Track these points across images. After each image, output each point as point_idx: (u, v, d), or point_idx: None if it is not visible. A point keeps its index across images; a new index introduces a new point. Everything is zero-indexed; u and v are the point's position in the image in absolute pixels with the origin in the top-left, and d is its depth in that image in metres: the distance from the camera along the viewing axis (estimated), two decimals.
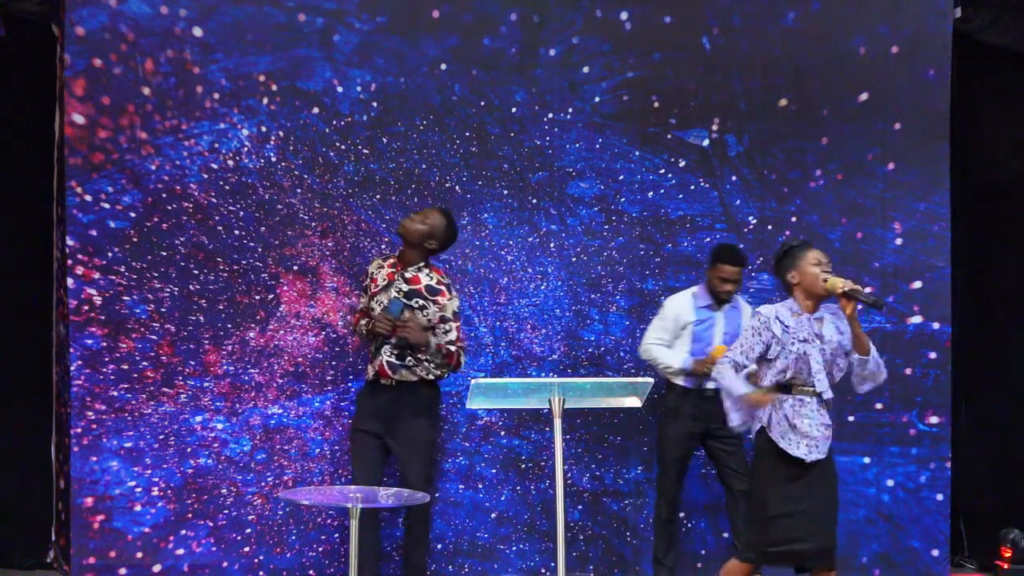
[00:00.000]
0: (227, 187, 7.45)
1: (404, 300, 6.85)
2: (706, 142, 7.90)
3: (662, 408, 7.48)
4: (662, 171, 7.88)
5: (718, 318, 7.34)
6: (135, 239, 7.32)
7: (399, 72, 7.63)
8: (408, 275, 6.93)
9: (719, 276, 7.27)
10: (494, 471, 7.71)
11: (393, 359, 6.83)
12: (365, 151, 7.62)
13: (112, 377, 7.28)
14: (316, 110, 7.54)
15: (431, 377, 6.90)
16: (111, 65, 7.29)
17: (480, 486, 7.70)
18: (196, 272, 7.40)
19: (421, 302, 6.88)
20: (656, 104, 7.87)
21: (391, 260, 7.05)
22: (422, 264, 6.97)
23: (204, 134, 7.42)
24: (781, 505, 6.12)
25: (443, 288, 6.93)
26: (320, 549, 7.50)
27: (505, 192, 7.77)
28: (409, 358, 6.83)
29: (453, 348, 6.89)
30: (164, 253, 7.36)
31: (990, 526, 8.24)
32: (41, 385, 7.73)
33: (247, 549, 7.42)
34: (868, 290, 6.44)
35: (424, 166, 7.66)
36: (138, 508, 7.30)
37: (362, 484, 6.69)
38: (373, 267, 7.08)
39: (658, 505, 7.47)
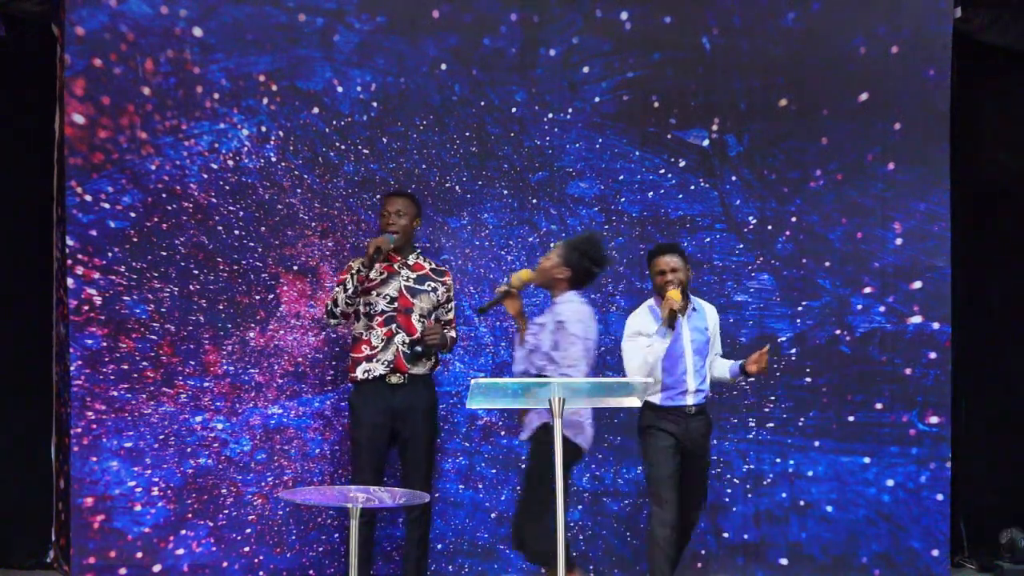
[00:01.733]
0: (227, 187, 7.45)
1: (416, 285, 6.98)
2: (706, 142, 7.90)
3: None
4: (662, 171, 7.88)
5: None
6: (135, 239, 7.32)
7: (399, 72, 7.63)
8: (411, 263, 7.03)
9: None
10: (494, 471, 7.71)
11: (407, 350, 6.89)
12: (365, 151, 7.62)
13: (112, 377, 7.28)
14: (316, 110, 7.55)
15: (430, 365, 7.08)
16: (111, 65, 7.29)
17: (480, 486, 7.70)
18: (196, 272, 7.40)
19: (432, 284, 7.04)
20: (656, 104, 7.86)
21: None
22: (417, 251, 7.13)
23: (204, 134, 7.42)
24: None
25: (445, 268, 7.21)
26: (320, 549, 7.50)
27: (505, 192, 7.77)
28: (419, 347, 6.90)
29: (454, 333, 7.18)
30: (164, 253, 7.36)
31: (990, 526, 8.24)
32: (41, 385, 7.73)
33: (247, 549, 7.42)
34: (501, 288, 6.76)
35: (424, 166, 7.67)
36: (138, 508, 7.30)
37: (367, 484, 6.69)
38: (357, 264, 7.07)
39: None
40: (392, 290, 6.96)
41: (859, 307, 7.93)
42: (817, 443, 7.90)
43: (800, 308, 7.92)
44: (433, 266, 7.13)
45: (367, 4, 7.59)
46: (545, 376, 6.14)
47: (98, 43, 7.28)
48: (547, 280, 6.32)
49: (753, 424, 7.84)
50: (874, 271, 7.97)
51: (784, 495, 7.89)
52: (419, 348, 6.93)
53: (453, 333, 7.16)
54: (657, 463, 6.71)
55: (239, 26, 7.45)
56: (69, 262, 7.24)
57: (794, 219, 7.94)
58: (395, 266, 7.01)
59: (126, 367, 7.30)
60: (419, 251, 7.16)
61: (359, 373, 6.93)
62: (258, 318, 7.47)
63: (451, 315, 7.16)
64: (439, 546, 7.60)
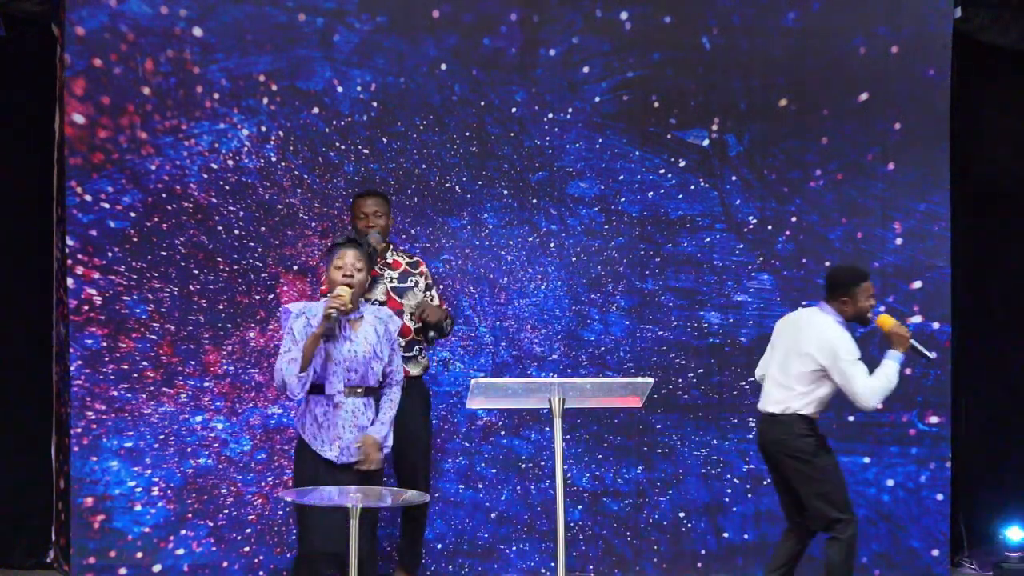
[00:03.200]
0: (227, 187, 7.45)
1: (401, 284, 6.88)
2: (706, 142, 7.90)
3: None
4: (662, 171, 7.88)
5: None
6: (135, 239, 7.33)
7: (399, 72, 7.63)
8: (389, 261, 6.95)
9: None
10: (494, 471, 7.71)
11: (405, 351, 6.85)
12: (365, 151, 7.62)
13: (112, 377, 7.28)
14: (316, 110, 7.55)
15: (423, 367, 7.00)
16: (111, 65, 7.30)
17: (480, 486, 7.70)
18: (196, 272, 7.40)
19: (413, 279, 6.93)
20: (656, 104, 7.86)
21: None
22: (391, 247, 7.04)
23: (204, 134, 7.43)
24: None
25: (418, 259, 7.08)
26: None
27: (505, 192, 7.77)
28: (417, 347, 6.85)
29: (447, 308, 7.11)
30: (164, 253, 7.36)
31: (990, 526, 8.24)
32: (41, 385, 7.73)
33: (247, 549, 7.42)
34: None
35: (424, 166, 7.67)
36: (138, 508, 7.31)
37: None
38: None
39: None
40: (379, 294, 6.83)
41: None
42: None
43: (800, 308, 7.91)
44: (408, 259, 7.01)
45: (367, 4, 7.59)
46: (369, 387, 6.04)
47: (98, 43, 7.28)
48: (360, 296, 6.04)
49: (753, 424, 7.84)
50: (874, 271, 7.94)
51: None
52: (426, 327, 6.85)
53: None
54: (841, 482, 6.75)
55: (239, 26, 7.45)
56: (69, 262, 7.24)
57: (794, 219, 7.94)
58: (377, 268, 6.93)
59: (126, 367, 7.30)
60: (393, 246, 7.08)
61: None
62: (258, 318, 7.47)
63: (435, 301, 6.99)
64: (439, 546, 7.60)
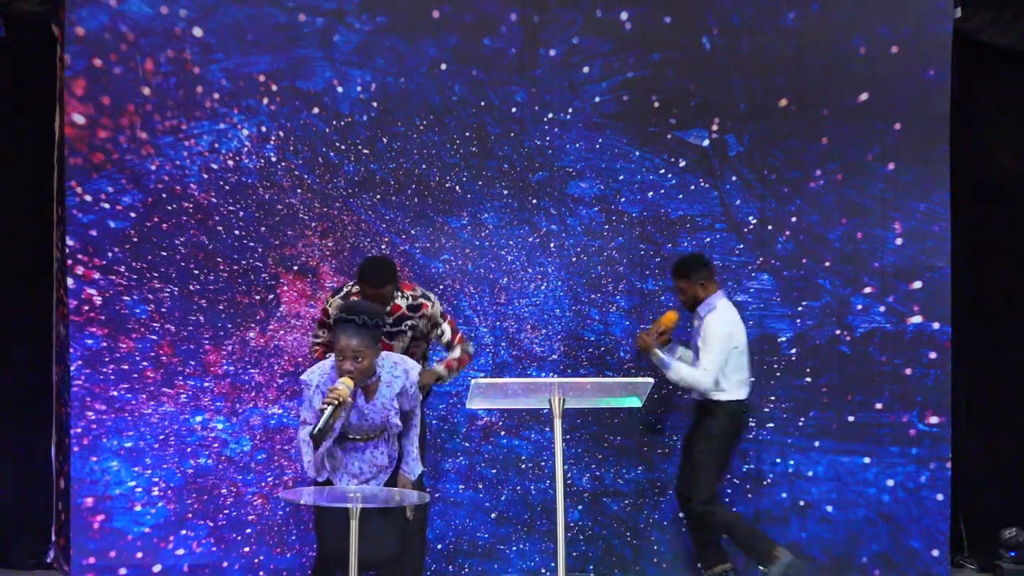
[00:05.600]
0: (227, 187, 7.45)
1: (393, 328, 6.72)
2: (706, 142, 7.90)
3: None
4: (662, 171, 7.88)
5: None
6: (135, 239, 7.33)
7: (399, 72, 7.63)
8: (387, 308, 6.76)
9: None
10: (494, 471, 7.71)
11: None
12: (365, 151, 7.62)
13: (112, 377, 7.28)
14: (316, 110, 7.55)
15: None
16: (111, 65, 7.30)
17: (480, 486, 7.70)
18: (196, 272, 7.40)
19: (410, 323, 6.81)
20: (656, 104, 7.86)
21: (353, 296, 6.78)
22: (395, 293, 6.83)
23: (204, 134, 7.43)
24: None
25: (422, 300, 6.86)
26: None
27: (505, 192, 7.77)
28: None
29: (458, 352, 6.94)
30: (164, 253, 7.37)
31: (990, 526, 8.24)
32: (41, 385, 7.73)
33: (247, 549, 7.42)
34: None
35: (424, 166, 7.67)
36: (138, 508, 7.31)
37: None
38: (334, 307, 6.74)
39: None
40: None
41: (859, 307, 7.92)
42: (817, 443, 7.90)
43: (800, 308, 7.92)
44: (409, 302, 6.83)
45: (367, 4, 7.60)
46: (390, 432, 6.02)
47: (98, 43, 7.28)
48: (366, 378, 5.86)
49: (753, 424, 7.84)
50: (874, 271, 7.97)
51: (784, 495, 7.89)
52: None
53: (457, 352, 6.93)
54: None
55: (239, 26, 7.46)
56: (69, 262, 7.25)
57: (794, 219, 7.94)
58: None
59: (126, 367, 7.30)
60: (395, 288, 6.80)
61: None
62: (258, 318, 7.48)
63: (446, 337, 6.91)
64: (439, 546, 7.60)
